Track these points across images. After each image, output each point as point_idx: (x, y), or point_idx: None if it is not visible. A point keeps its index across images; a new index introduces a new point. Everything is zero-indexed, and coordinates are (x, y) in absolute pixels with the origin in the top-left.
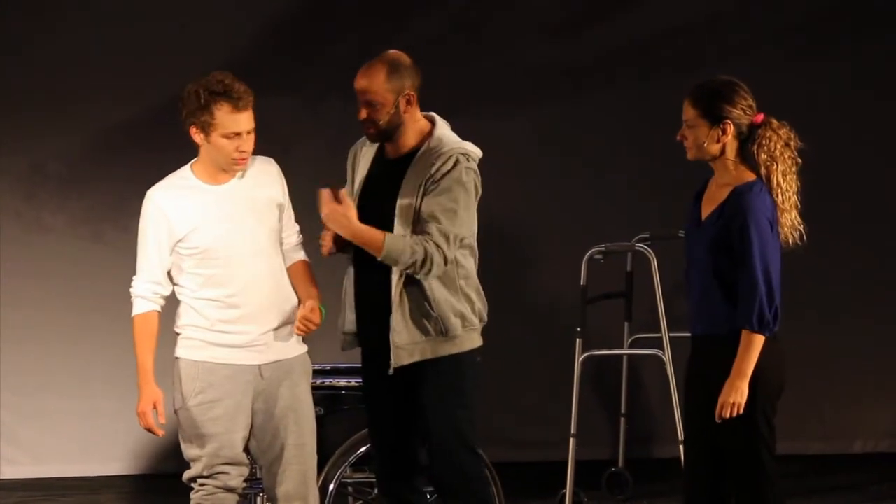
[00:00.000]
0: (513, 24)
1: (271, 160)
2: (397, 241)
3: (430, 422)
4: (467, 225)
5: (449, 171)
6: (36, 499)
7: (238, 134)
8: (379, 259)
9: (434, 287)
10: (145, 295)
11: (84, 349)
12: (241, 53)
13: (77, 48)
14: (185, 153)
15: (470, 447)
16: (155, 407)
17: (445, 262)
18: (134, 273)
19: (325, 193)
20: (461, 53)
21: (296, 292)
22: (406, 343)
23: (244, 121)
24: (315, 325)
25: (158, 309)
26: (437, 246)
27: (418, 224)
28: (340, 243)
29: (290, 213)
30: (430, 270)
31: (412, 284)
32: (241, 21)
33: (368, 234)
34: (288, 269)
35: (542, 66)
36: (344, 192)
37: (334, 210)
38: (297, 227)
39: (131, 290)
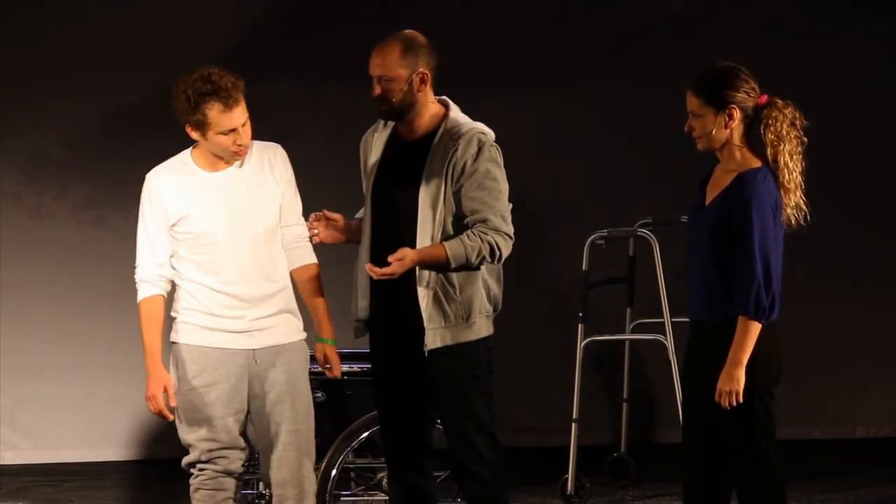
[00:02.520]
0: (515, 8)
1: (277, 146)
2: (458, 247)
3: (447, 408)
4: (506, 201)
5: (478, 154)
6: (39, 484)
7: (233, 129)
8: (451, 269)
9: (456, 272)
10: (150, 279)
11: (85, 335)
12: (241, 38)
13: (78, 34)
14: (186, 139)
15: (487, 432)
16: (165, 390)
17: (511, 238)
18: (135, 258)
19: (370, 267)
20: (462, 38)
21: (308, 309)
22: (432, 327)
23: (237, 116)
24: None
25: (163, 293)
26: (496, 230)
27: (467, 213)
28: (345, 234)
29: (293, 202)
30: (501, 256)
31: (435, 270)
32: (240, 5)
33: (430, 254)
34: (295, 274)
35: (543, 52)
36: (329, 213)
37: (400, 264)
38: (301, 220)
39: (136, 275)
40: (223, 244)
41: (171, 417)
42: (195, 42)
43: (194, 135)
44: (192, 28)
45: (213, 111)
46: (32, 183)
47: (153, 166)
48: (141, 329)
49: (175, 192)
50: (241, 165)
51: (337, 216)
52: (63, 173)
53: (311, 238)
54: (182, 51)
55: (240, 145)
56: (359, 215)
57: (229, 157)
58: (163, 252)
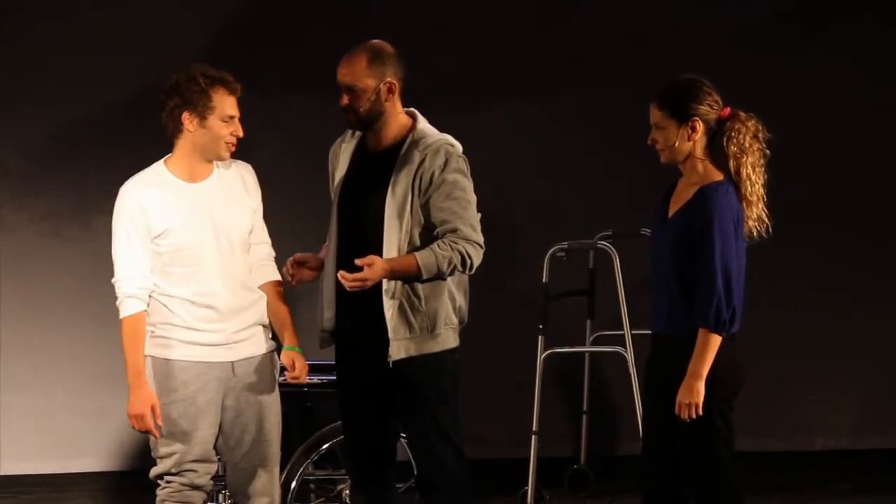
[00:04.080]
0: (479, 20)
1: (248, 166)
2: (429, 257)
3: (412, 420)
4: (475, 211)
5: (446, 165)
6: None
7: (233, 118)
8: (423, 279)
9: (422, 283)
10: (135, 294)
11: (43, 346)
12: (202, 50)
13: (37, 45)
14: (145, 150)
15: (452, 444)
16: (153, 409)
17: (482, 247)
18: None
19: (342, 274)
20: (424, 49)
21: (272, 322)
22: (397, 338)
23: (236, 105)
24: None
25: (146, 307)
26: (467, 239)
27: (436, 224)
28: (318, 269)
29: (261, 221)
30: (472, 265)
31: (406, 280)
32: (201, 17)
33: (401, 264)
34: (262, 290)
35: (505, 64)
36: (300, 256)
37: (373, 272)
38: (268, 239)
39: (118, 290)
40: (207, 255)
41: (157, 435)
42: (155, 55)
43: (191, 124)
44: (152, 39)
45: (219, 94)
46: None
47: (113, 178)
48: (124, 346)
49: (157, 205)
50: (218, 177)
51: (307, 256)
52: (22, 185)
53: (290, 282)
54: (141, 62)
55: (234, 136)
56: (327, 244)
57: (222, 149)
58: (146, 265)
